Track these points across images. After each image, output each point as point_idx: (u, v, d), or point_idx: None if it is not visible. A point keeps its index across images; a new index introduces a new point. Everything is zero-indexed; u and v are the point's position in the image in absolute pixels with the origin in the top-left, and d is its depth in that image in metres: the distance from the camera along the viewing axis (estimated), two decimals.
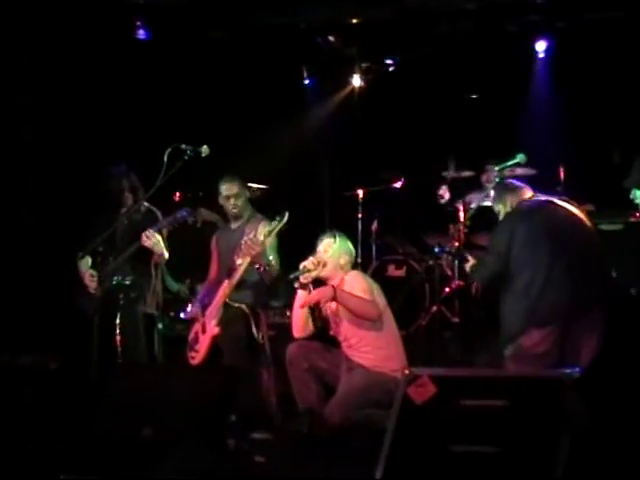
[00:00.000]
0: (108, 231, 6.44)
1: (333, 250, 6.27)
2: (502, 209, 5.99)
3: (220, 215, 7.63)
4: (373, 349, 6.08)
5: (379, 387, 5.83)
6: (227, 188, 6.85)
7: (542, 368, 5.39)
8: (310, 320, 6.33)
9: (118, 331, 6.43)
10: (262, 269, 6.44)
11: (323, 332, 6.42)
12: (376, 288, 6.24)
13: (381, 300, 6.20)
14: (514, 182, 6.27)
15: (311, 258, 6.22)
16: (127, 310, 6.53)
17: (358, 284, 6.17)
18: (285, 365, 6.26)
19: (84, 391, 5.94)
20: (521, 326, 5.57)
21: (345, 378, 6.10)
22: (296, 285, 6.21)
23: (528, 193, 6.00)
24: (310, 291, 6.21)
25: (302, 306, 6.20)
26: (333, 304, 6.18)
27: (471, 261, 6.33)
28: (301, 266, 6.19)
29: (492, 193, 8.72)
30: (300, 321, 6.31)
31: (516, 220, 5.79)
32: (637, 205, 5.68)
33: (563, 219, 5.81)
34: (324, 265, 6.21)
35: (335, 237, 6.34)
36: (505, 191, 6.08)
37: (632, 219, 7.34)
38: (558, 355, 5.52)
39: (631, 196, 5.67)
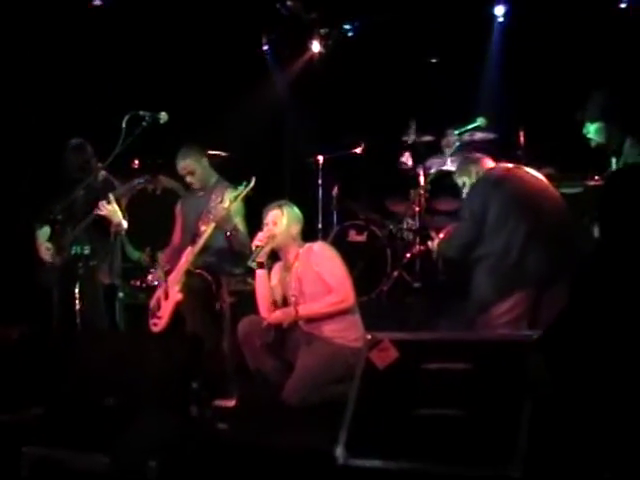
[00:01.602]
0: (67, 200, 6.40)
1: (282, 223, 6.13)
2: (467, 180, 5.99)
3: (180, 182, 7.56)
4: (332, 318, 5.99)
5: (340, 361, 5.72)
6: (182, 167, 6.75)
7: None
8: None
9: (78, 300, 6.40)
10: (230, 235, 6.41)
11: None
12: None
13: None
14: (474, 154, 6.29)
15: (260, 234, 6.11)
16: (86, 279, 6.51)
17: (331, 254, 6.14)
18: None
19: (45, 361, 5.89)
20: (499, 291, 5.56)
21: (304, 352, 6.01)
22: (254, 266, 6.13)
23: (490, 161, 6.02)
24: (268, 268, 6.18)
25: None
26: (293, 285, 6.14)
27: (436, 239, 6.33)
28: (253, 247, 6.10)
29: (450, 160, 8.78)
30: (265, 302, 6.19)
31: (488, 187, 5.78)
32: (589, 140, 5.62)
33: (532, 184, 5.83)
34: (273, 237, 6.13)
35: (281, 207, 6.20)
36: (468, 163, 6.09)
37: (592, 182, 7.38)
38: (529, 322, 5.52)
39: (584, 130, 5.62)
